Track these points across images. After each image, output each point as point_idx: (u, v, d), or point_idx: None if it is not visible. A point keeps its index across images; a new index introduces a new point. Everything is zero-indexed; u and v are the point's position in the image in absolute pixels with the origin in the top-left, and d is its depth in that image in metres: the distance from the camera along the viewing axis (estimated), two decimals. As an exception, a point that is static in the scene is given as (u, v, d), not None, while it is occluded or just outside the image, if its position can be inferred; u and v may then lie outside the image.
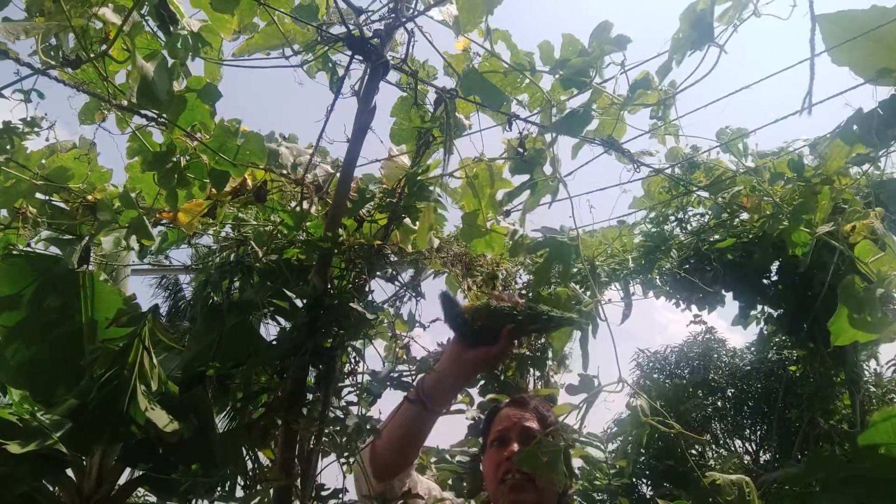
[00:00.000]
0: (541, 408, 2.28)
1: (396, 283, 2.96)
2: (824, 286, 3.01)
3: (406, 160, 3.38)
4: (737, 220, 4.47)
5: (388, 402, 2.71)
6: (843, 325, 2.52)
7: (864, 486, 1.38)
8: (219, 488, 3.31)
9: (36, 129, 2.71)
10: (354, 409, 2.64)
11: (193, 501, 3.32)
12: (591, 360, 2.31)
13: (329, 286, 2.68)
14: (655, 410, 1.69)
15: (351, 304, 2.53)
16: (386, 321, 3.06)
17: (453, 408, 3.21)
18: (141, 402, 2.64)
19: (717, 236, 4.58)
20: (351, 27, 2.84)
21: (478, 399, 4.23)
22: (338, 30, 2.94)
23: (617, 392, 1.63)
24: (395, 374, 2.75)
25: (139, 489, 3.75)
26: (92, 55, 2.35)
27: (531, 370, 4.05)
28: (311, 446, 2.51)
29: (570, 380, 3.29)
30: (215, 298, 3.02)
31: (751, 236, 4.45)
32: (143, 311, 3.09)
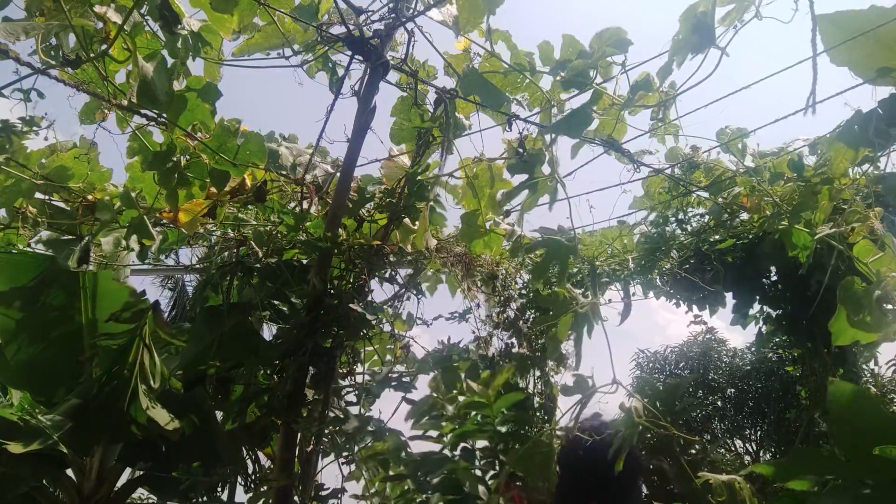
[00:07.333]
0: None
1: (396, 283, 2.97)
2: (822, 286, 3.00)
3: (406, 160, 3.39)
4: (737, 220, 4.47)
5: (388, 403, 2.72)
6: (844, 324, 2.52)
7: (864, 488, 1.37)
8: (219, 488, 3.32)
9: (35, 129, 2.71)
10: (354, 410, 2.65)
11: (194, 501, 3.32)
12: (589, 361, 2.31)
13: (329, 286, 2.69)
14: (650, 410, 1.68)
15: (350, 305, 2.54)
16: (385, 322, 3.07)
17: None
18: (142, 401, 2.65)
19: (717, 237, 4.58)
20: (351, 27, 2.85)
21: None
22: (338, 30, 2.95)
23: (612, 393, 1.62)
24: (395, 375, 2.76)
25: (139, 489, 3.75)
26: (92, 55, 2.35)
27: (531, 370, 4.04)
28: (311, 446, 2.52)
29: (570, 380, 3.28)
30: (215, 299, 3.03)
31: (751, 237, 4.45)
32: (145, 307, 3.10)
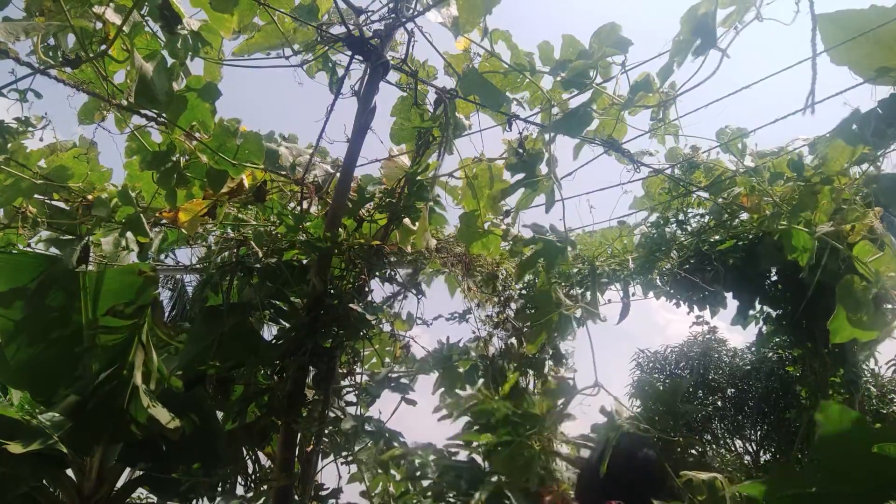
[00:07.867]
0: None
1: (395, 283, 2.97)
2: (820, 285, 3.00)
3: (406, 160, 3.39)
4: (737, 220, 4.47)
5: (389, 403, 2.71)
6: (842, 323, 2.53)
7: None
8: (219, 488, 3.32)
9: (30, 129, 2.71)
10: (354, 410, 2.65)
11: (194, 501, 3.32)
12: (588, 362, 2.31)
13: (329, 286, 2.69)
14: (652, 412, 1.68)
15: (350, 305, 2.54)
16: (385, 322, 3.07)
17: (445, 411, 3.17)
18: (143, 400, 2.65)
19: (717, 237, 4.58)
20: (351, 27, 2.85)
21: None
22: (338, 30, 2.95)
23: (594, 395, 1.62)
24: (394, 375, 2.76)
25: (139, 489, 3.76)
26: (91, 55, 2.34)
27: (530, 371, 4.04)
28: (311, 446, 2.51)
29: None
30: (215, 299, 3.02)
31: (751, 237, 4.45)
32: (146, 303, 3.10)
